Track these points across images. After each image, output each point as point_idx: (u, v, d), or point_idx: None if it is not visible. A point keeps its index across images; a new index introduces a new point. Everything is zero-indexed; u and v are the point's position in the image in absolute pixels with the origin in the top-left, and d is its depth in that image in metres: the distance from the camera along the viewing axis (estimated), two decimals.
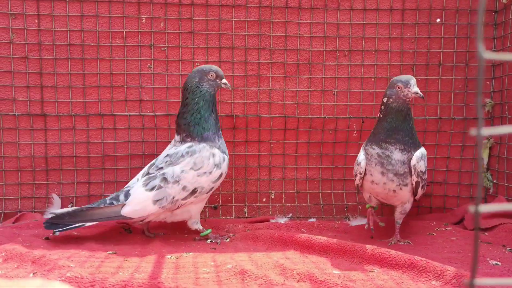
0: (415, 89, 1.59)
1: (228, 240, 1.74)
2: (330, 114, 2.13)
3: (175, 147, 1.73)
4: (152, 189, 1.64)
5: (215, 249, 1.62)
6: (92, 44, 1.99)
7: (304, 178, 2.14)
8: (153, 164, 1.73)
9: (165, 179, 1.65)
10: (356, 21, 2.09)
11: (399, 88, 1.61)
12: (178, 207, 1.68)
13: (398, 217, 1.73)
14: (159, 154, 2.05)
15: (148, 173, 1.71)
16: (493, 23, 2.09)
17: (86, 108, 2.02)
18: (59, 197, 1.99)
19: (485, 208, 0.45)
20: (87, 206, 1.66)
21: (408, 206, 1.72)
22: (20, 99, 1.97)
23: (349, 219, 2.06)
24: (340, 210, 2.14)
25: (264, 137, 2.12)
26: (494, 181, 2.06)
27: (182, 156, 1.67)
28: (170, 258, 1.49)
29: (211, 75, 1.73)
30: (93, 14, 1.98)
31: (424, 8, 2.09)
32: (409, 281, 1.26)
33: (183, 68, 2.05)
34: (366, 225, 1.78)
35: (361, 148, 1.75)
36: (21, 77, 1.96)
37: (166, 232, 1.84)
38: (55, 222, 1.61)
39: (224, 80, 1.75)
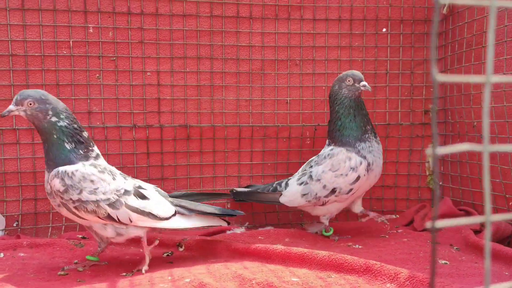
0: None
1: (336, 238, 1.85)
2: (283, 122, 2.15)
3: (323, 149, 1.87)
4: (301, 184, 1.84)
5: (172, 262, 1.59)
6: (36, 54, 1.91)
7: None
8: (310, 161, 1.88)
9: (310, 177, 1.82)
10: (306, 30, 2.14)
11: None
12: (323, 204, 1.82)
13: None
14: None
15: (303, 170, 1.88)
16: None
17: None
18: (3, 215, 1.90)
19: (441, 224, 0.47)
20: (256, 188, 1.99)
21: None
22: None
23: (304, 226, 2.09)
24: (296, 217, 2.17)
25: (218, 147, 2.11)
26: (441, 183, 2.16)
27: (325, 158, 1.82)
28: (126, 275, 1.44)
29: (349, 81, 1.77)
30: (37, 23, 1.90)
31: (371, 18, 2.16)
32: (365, 285, 1.29)
33: (133, 78, 2.01)
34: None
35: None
36: None
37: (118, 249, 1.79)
38: (236, 197, 2.01)
39: (362, 83, 1.75)
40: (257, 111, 2.13)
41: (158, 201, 1.53)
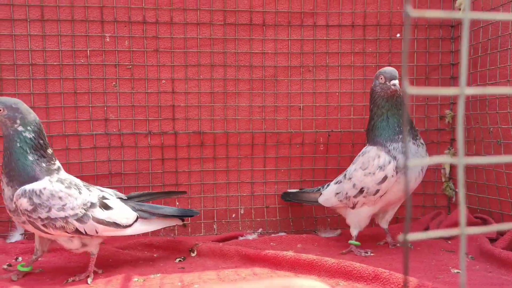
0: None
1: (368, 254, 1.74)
2: (296, 129, 2.16)
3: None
4: (336, 182, 1.85)
5: (183, 268, 1.61)
6: (55, 63, 1.97)
7: (273, 193, 2.15)
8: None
9: (344, 175, 1.82)
10: (319, 37, 2.14)
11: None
12: (353, 206, 1.77)
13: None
14: (125, 173, 2.04)
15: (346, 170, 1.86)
16: (450, 37, 2.17)
17: (49, 129, 1.98)
18: None
19: (413, 236, 0.48)
20: (304, 189, 2.06)
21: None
22: None
23: (318, 232, 2.09)
24: (309, 223, 2.17)
25: (232, 153, 2.13)
26: (456, 190, 2.13)
27: (358, 156, 1.81)
28: (137, 281, 1.47)
29: (381, 78, 1.69)
30: (55, 34, 1.96)
31: (385, 24, 2.15)
32: None
33: (149, 86, 2.05)
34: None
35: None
36: None
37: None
38: (284, 198, 2.08)
39: (393, 81, 1.65)
40: (270, 117, 2.14)
41: (120, 210, 1.56)
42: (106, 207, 1.53)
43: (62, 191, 1.44)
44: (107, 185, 2.04)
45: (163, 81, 2.06)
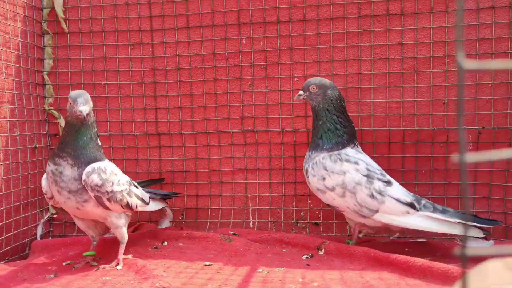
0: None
1: None
2: (440, 126, 1.96)
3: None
4: None
5: (309, 265, 1.59)
6: (198, 67, 2.13)
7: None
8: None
9: None
10: (468, 22, 1.90)
11: (70, 103, 1.55)
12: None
13: None
14: (259, 170, 2.10)
15: None
16: None
17: (193, 127, 2.16)
18: (171, 210, 2.17)
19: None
20: None
21: None
22: (138, 120, 2.18)
23: (463, 241, 1.85)
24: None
25: (366, 151, 2.02)
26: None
27: None
28: (261, 272, 1.50)
29: None
30: (199, 39, 2.12)
31: None
32: None
33: (282, 84, 2.08)
34: None
35: None
36: (138, 101, 2.18)
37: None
38: None
39: None
40: (409, 113, 1.98)
41: (140, 189, 1.78)
42: (135, 186, 1.74)
43: (116, 168, 1.65)
44: (243, 180, 2.14)
45: (296, 79, 2.07)
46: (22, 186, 1.97)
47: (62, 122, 2.17)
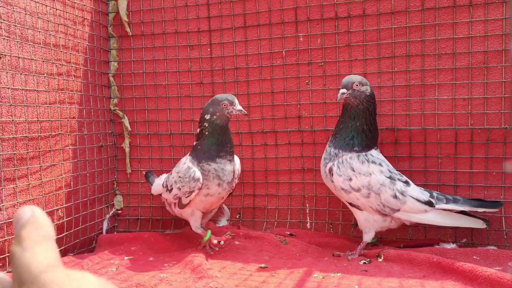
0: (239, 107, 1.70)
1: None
2: None
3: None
4: None
5: (366, 271, 1.54)
6: (255, 66, 2.13)
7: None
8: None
9: None
10: None
11: (224, 105, 1.69)
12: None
13: None
14: (317, 169, 2.06)
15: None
16: None
17: (250, 126, 2.16)
18: (229, 208, 2.19)
19: None
20: None
21: None
22: (197, 119, 2.21)
23: None
24: None
25: (430, 152, 1.93)
26: None
27: None
28: (317, 277, 1.47)
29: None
30: (256, 38, 2.11)
31: None
32: None
33: (340, 82, 2.01)
34: None
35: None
36: (197, 101, 2.21)
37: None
38: None
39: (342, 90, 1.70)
40: (478, 111, 1.85)
41: None
42: None
43: None
44: (300, 180, 2.11)
45: None
46: (90, 182, 2.07)
47: (126, 122, 2.26)
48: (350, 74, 2.00)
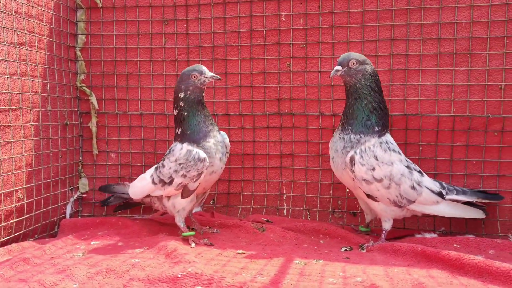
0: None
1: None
2: (495, 112, 1.80)
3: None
4: None
5: (348, 258, 1.48)
6: (234, 44, 2.03)
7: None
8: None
9: None
10: None
11: (194, 77, 1.63)
12: None
13: None
14: (295, 155, 1.99)
15: None
16: None
17: (227, 108, 2.06)
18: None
19: None
20: None
21: None
22: (171, 99, 2.09)
23: None
24: (507, 226, 1.79)
25: (411, 139, 1.89)
26: None
27: None
28: (298, 263, 1.40)
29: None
30: (235, 15, 2.01)
31: None
32: None
33: (322, 65, 1.95)
34: None
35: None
36: (171, 79, 2.09)
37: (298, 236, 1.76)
38: None
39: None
40: (461, 98, 1.83)
41: None
42: None
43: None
44: (277, 165, 2.04)
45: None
46: (53, 163, 1.93)
47: (93, 100, 2.12)
48: (333, 57, 1.94)
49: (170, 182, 1.64)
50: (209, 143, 1.64)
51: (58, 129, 1.97)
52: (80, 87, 2.12)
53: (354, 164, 1.57)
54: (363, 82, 1.59)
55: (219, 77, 1.66)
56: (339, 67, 1.58)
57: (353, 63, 1.57)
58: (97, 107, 2.13)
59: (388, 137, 1.63)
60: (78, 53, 2.11)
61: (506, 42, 1.77)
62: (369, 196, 1.63)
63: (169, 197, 1.69)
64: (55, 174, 1.94)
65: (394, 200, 1.59)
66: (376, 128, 1.59)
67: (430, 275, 1.25)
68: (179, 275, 1.15)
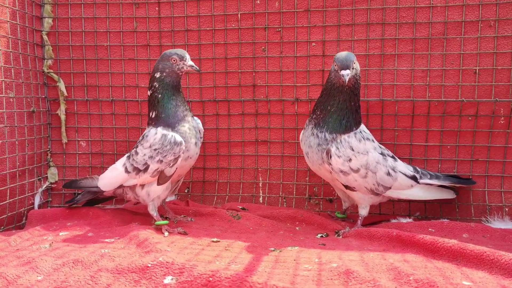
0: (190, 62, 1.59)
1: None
2: (469, 97, 1.80)
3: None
4: None
5: (324, 245, 1.46)
6: (208, 28, 1.97)
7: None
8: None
9: None
10: None
11: (174, 61, 1.58)
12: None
13: None
14: (271, 142, 1.96)
15: None
16: None
17: (201, 94, 2.01)
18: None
19: None
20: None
21: None
22: (143, 85, 2.03)
23: (490, 222, 1.72)
24: (480, 210, 1.80)
25: (387, 124, 1.88)
26: None
27: None
28: (274, 250, 1.37)
29: (335, 65, 1.55)
30: None
31: None
32: None
33: (298, 49, 1.92)
34: None
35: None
36: (143, 64, 2.03)
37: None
38: None
39: (343, 72, 1.49)
40: (436, 83, 1.82)
41: None
42: None
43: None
44: (253, 152, 2.00)
45: (313, 44, 1.90)
46: (19, 152, 1.85)
47: (62, 86, 2.04)
48: (309, 41, 1.91)
49: (146, 169, 1.59)
50: (184, 127, 1.60)
51: (24, 116, 1.89)
52: (48, 72, 2.04)
53: (330, 156, 1.55)
54: (358, 82, 1.56)
55: (198, 68, 1.61)
56: (348, 71, 1.47)
57: (354, 63, 1.50)
58: (65, 93, 2.05)
59: (361, 126, 1.61)
60: (45, 37, 2.02)
61: (481, 26, 1.77)
62: (346, 187, 1.61)
63: (143, 186, 1.64)
64: (21, 163, 1.86)
65: (371, 188, 1.59)
66: (354, 128, 1.58)
67: (405, 259, 1.24)
68: (149, 265, 1.11)
